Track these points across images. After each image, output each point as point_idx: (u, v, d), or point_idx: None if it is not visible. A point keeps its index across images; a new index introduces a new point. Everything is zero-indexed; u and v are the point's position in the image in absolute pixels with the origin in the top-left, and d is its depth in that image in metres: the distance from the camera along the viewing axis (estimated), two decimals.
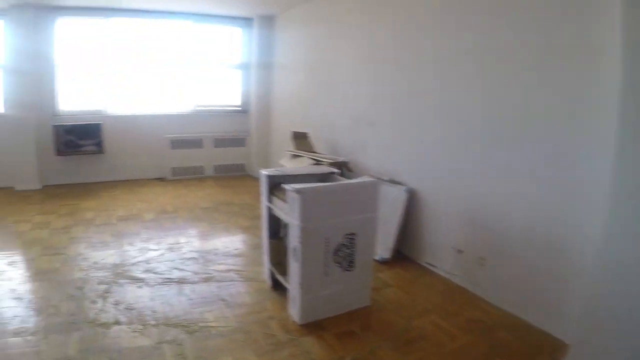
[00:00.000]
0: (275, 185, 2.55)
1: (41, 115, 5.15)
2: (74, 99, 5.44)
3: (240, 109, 6.27)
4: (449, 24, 2.89)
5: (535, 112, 2.29)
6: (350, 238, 2.35)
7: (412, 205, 3.19)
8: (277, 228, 2.68)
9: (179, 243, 3.48)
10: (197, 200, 4.85)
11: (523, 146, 2.37)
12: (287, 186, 2.21)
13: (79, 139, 5.32)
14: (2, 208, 4.43)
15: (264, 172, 2.59)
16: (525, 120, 2.35)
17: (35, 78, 5.09)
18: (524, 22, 2.34)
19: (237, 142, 6.16)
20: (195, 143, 5.89)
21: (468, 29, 2.72)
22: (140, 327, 2.24)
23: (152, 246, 3.40)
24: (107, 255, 3.20)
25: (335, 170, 2.78)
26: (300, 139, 4.26)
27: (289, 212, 2.26)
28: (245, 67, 6.13)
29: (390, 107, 3.51)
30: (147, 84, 5.73)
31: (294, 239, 2.24)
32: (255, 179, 5.83)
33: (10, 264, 3.04)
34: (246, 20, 5.95)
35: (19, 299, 2.54)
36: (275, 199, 2.53)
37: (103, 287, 2.69)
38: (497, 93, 2.54)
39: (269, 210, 2.61)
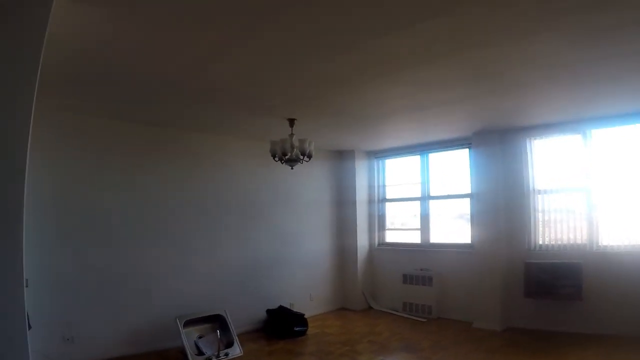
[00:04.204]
0: None
1: (512, 250, 4.77)
2: (552, 231, 4.72)
3: None
4: None
5: None
6: None
7: None
8: None
9: None
10: None
11: None
12: None
13: (554, 279, 4.47)
14: (445, 349, 3.99)
15: None
16: None
17: (507, 207, 4.79)
18: None
19: None
20: None
21: None
22: None
23: None
24: None
25: None
26: None
27: None
28: None
29: None
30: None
31: None
32: None
33: None
34: None
35: None
36: None
37: None
38: None
39: None
